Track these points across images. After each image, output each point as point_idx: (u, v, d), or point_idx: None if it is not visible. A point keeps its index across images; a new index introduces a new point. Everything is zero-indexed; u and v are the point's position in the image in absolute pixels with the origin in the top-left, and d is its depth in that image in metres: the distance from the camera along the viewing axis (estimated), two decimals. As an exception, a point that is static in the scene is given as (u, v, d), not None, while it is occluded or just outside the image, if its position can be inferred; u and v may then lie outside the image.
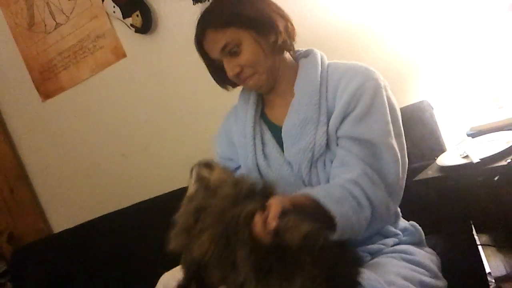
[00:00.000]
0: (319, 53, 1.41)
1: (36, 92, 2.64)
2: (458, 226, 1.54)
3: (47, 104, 2.65)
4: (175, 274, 1.89)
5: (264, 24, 1.32)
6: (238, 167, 1.48)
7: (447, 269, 1.35)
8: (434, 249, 1.40)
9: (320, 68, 1.36)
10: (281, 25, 1.34)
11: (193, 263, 1.03)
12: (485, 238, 1.59)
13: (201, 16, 1.38)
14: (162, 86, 2.38)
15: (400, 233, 1.37)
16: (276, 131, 1.39)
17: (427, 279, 1.21)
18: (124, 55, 2.40)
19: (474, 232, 1.58)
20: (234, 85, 1.48)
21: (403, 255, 1.26)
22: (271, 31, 1.33)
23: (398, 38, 1.92)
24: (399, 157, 1.28)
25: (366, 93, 1.27)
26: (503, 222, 1.39)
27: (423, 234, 1.42)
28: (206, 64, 1.44)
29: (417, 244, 1.37)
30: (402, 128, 1.34)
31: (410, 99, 1.89)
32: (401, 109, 1.80)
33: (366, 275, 1.07)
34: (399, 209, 1.42)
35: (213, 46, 1.34)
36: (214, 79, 1.47)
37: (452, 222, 1.55)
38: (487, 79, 1.68)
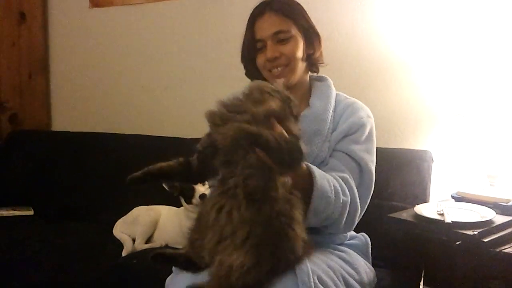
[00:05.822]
0: (331, 82, 1.58)
1: (88, -4, 2.73)
2: (409, 271, 1.65)
3: (93, 11, 2.74)
4: (146, 211, 2.02)
5: (311, 36, 1.51)
6: None
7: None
8: (379, 282, 1.50)
9: (334, 93, 1.54)
10: (319, 44, 1.53)
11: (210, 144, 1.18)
12: (429, 291, 1.70)
13: None
14: (208, 36, 2.44)
15: (348, 235, 1.50)
16: None
17: (351, 279, 1.32)
18: (184, -4, 2.46)
19: (422, 282, 1.69)
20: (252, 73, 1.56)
21: (338, 253, 1.40)
22: (313, 45, 1.52)
23: (432, 85, 1.99)
24: (372, 188, 1.45)
25: (366, 125, 1.47)
26: (450, 284, 1.49)
27: (370, 246, 1.54)
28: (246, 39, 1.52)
29: (362, 253, 1.50)
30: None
31: (416, 144, 1.98)
32: (405, 150, 1.92)
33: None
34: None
35: (268, 27, 1.46)
36: (243, 54, 1.55)
37: (406, 265, 1.65)
38: (491, 153, 1.77)
